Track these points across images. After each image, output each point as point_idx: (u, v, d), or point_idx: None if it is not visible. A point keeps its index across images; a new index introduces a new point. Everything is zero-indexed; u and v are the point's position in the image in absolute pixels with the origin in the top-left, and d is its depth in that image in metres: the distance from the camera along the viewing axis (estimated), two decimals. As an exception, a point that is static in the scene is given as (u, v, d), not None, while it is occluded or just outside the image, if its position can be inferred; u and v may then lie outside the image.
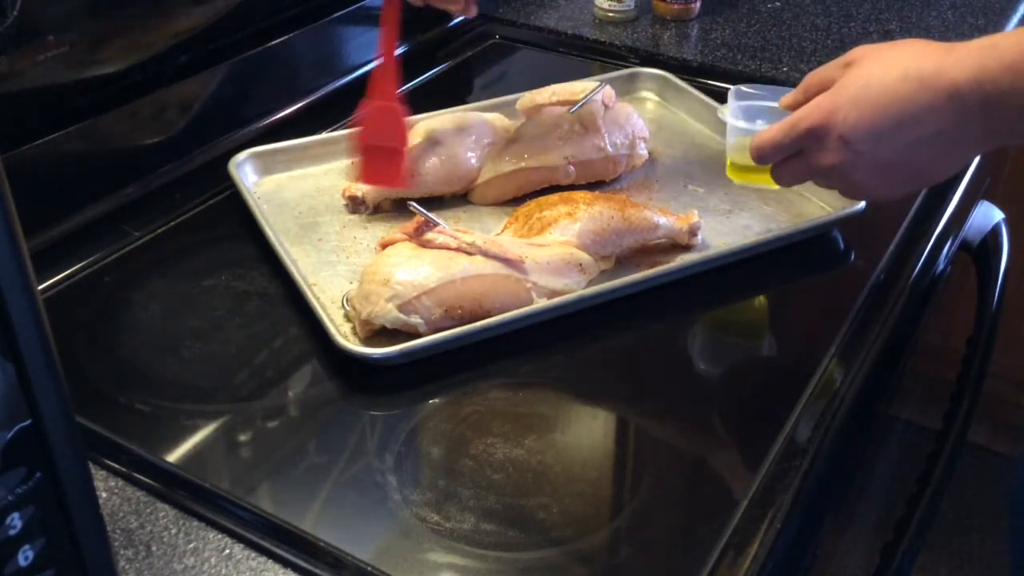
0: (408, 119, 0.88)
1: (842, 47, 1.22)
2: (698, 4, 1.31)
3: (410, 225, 0.76)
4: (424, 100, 1.07)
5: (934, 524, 1.01)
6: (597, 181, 0.94)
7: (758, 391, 0.75)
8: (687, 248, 0.84)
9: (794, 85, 1.11)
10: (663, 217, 0.83)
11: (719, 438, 0.70)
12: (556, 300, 0.76)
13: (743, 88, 0.86)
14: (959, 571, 1.79)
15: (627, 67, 1.12)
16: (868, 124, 0.68)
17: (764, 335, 0.83)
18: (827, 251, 0.86)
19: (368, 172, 0.87)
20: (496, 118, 0.98)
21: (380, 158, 0.86)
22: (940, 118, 0.65)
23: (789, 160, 0.75)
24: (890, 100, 0.67)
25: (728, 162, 0.88)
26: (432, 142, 0.91)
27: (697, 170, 0.96)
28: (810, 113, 0.71)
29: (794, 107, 0.76)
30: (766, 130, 0.75)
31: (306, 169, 0.96)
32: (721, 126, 0.99)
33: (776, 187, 0.80)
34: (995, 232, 1.08)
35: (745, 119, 0.83)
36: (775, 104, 0.80)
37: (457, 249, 0.74)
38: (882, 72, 0.68)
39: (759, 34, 1.26)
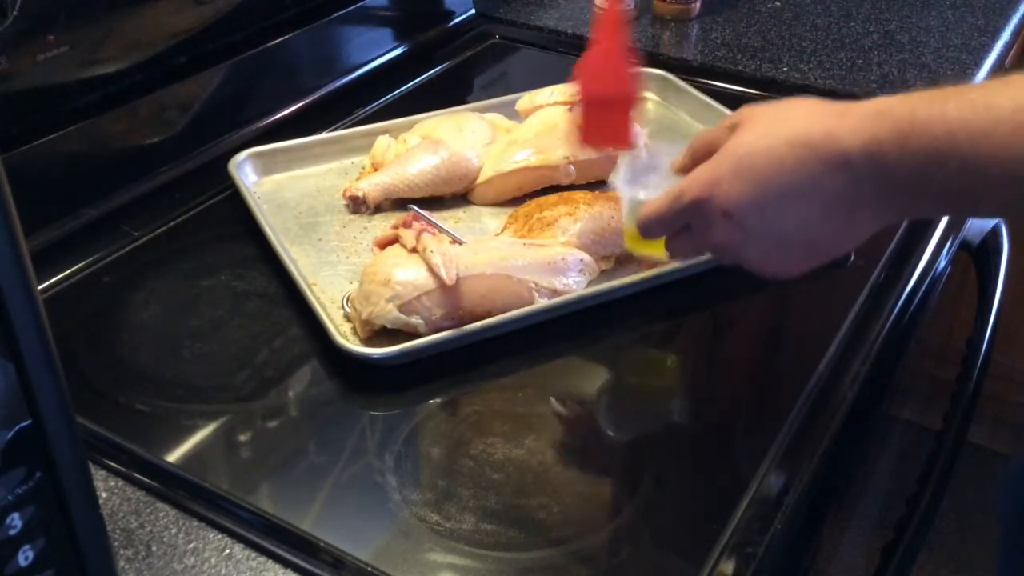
0: (638, 69, 0.72)
1: (842, 47, 1.22)
2: (698, 4, 1.31)
3: (400, 222, 0.77)
4: (424, 100, 1.07)
5: (934, 524, 1.01)
6: (597, 181, 0.94)
7: (758, 390, 0.75)
8: (687, 248, 0.84)
9: (793, 87, 1.13)
10: (663, 217, 0.83)
11: (719, 438, 0.70)
12: (556, 300, 0.76)
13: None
14: (959, 571, 1.79)
15: (627, 67, 1.12)
16: (750, 197, 0.60)
17: (764, 335, 0.83)
18: (827, 251, 0.86)
19: (591, 131, 0.72)
20: (496, 118, 0.98)
21: (605, 113, 0.72)
22: (828, 189, 0.58)
23: (679, 235, 0.67)
24: (775, 170, 0.59)
25: (625, 231, 0.78)
26: (432, 142, 0.91)
27: (697, 170, 0.96)
28: (691, 185, 0.63)
29: (683, 172, 0.67)
30: (651, 203, 0.67)
31: (306, 169, 0.96)
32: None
33: (673, 261, 0.73)
34: (995, 232, 1.08)
35: (633, 183, 0.73)
36: (667, 164, 0.71)
37: (411, 250, 0.74)
38: (767, 137, 0.60)
39: (759, 34, 1.26)
